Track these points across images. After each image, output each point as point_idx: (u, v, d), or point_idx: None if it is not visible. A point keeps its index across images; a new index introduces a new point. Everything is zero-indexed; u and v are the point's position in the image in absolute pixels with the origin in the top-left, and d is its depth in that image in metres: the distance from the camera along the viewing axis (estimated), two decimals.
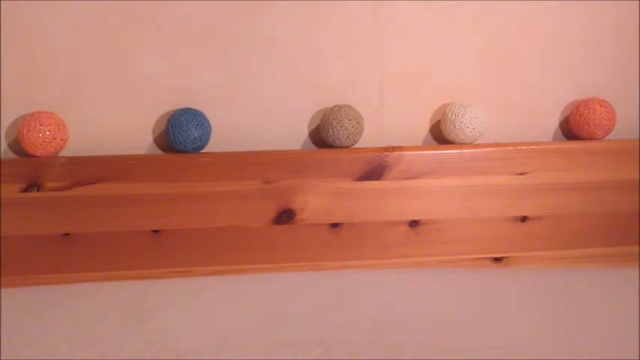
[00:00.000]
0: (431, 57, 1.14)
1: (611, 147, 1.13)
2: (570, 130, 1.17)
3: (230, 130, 1.11)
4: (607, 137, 1.16)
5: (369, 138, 1.12)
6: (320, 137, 1.12)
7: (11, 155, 1.08)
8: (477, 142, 1.13)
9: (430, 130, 1.16)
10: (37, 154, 1.03)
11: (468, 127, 1.10)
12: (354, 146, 1.11)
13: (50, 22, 1.05)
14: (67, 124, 1.06)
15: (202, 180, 1.04)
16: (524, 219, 1.12)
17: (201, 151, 1.08)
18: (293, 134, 1.13)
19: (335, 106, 1.09)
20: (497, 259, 1.12)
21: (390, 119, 1.15)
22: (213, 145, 1.09)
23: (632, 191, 1.12)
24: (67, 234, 1.03)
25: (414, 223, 1.09)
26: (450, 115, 1.11)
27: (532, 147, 1.11)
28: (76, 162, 1.03)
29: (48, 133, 1.02)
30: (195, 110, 1.07)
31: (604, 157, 1.12)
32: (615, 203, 1.13)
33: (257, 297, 0.96)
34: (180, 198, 1.04)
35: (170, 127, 1.05)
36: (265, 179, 1.05)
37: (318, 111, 1.13)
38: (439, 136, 1.15)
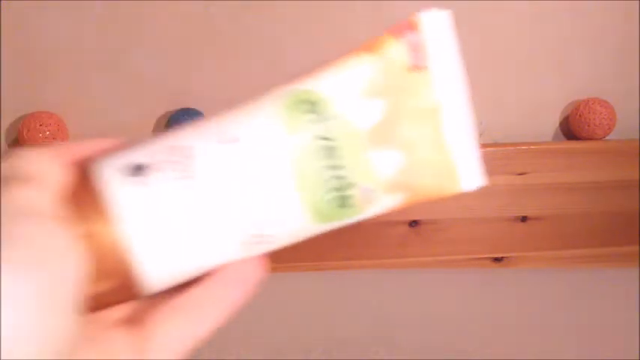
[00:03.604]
0: None
1: (611, 147, 1.13)
2: (570, 130, 1.17)
3: None
4: (607, 137, 1.16)
5: None
6: None
7: None
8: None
9: None
10: None
11: None
12: None
13: (50, 22, 1.05)
14: (67, 124, 1.06)
15: None
16: (524, 219, 1.12)
17: None
18: None
19: None
20: (497, 259, 1.12)
21: None
22: None
23: (632, 191, 1.12)
24: None
25: (414, 223, 1.09)
26: None
27: (532, 147, 1.11)
28: None
29: (48, 133, 1.02)
30: (195, 110, 1.07)
31: (604, 157, 1.12)
32: (615, 203, 1.13)
33: (257, 297, 0.96)
34: None
35: (170, 127, 1.05)
36: None
37: None
38: None
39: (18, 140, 1.04)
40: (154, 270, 0.30)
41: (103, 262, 0.28)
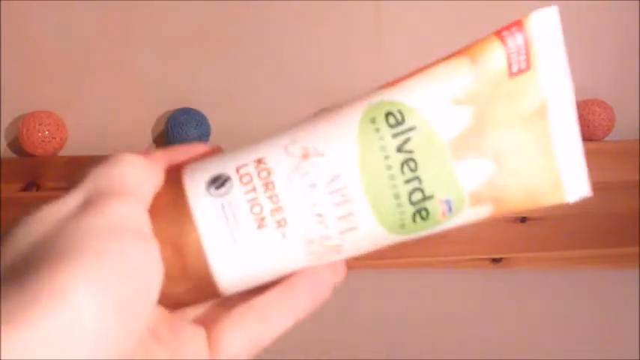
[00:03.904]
0: (431, 57, 1.14)
1: (611, 147, 1.12)
2: None
3: (230, 130, 1.11)
4: (606, 138, 1.16)
5: None
6: None
7: (11, 155, 1.08)
8: None
9: None
10: (37, 154, 1.03)
11: None
12: None
13: (50, 22, 1.05)
14: (66, 124, 1.06)
15: None
16: (523, 220, 1.12)
17: None
18: None
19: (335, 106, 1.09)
20: (496, 260, 1.12)
21: None
22: None
23: (632, 191, 1.12)
24: None
25: None
26: None
27: None
28: (75, 162, 1.03)
29: (47, 132, 1.02)
30: (195, 110, 1.07)
31: (604, 157, 1.12)
32: (615, 203, 1.12)
33: None
34: None
35: (169, 127, 1.05)
36: None
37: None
38: None
39: (17, 140, 1.04)
40: (229, 275, 0.32)
41: (182, 266, 0.31)
